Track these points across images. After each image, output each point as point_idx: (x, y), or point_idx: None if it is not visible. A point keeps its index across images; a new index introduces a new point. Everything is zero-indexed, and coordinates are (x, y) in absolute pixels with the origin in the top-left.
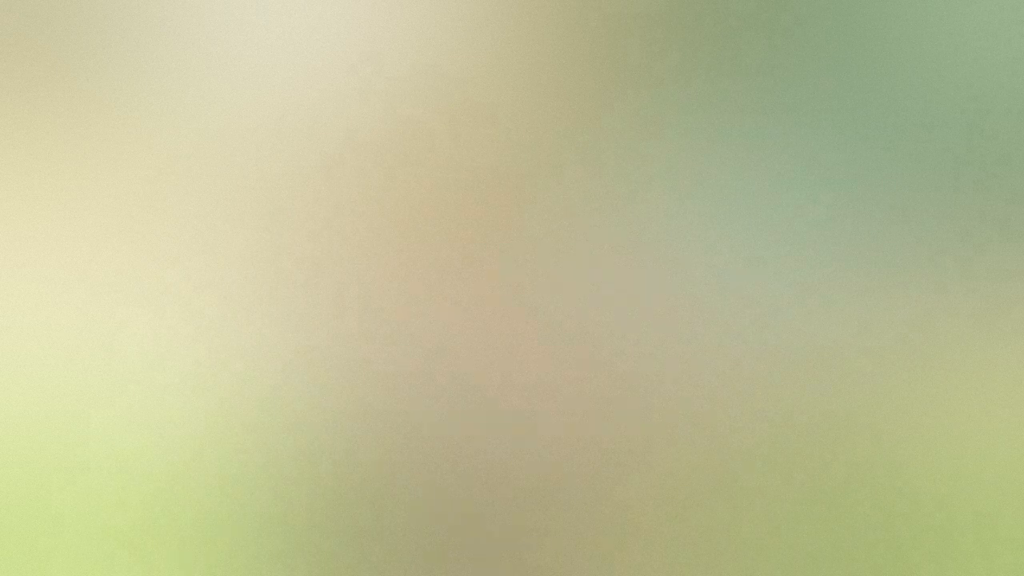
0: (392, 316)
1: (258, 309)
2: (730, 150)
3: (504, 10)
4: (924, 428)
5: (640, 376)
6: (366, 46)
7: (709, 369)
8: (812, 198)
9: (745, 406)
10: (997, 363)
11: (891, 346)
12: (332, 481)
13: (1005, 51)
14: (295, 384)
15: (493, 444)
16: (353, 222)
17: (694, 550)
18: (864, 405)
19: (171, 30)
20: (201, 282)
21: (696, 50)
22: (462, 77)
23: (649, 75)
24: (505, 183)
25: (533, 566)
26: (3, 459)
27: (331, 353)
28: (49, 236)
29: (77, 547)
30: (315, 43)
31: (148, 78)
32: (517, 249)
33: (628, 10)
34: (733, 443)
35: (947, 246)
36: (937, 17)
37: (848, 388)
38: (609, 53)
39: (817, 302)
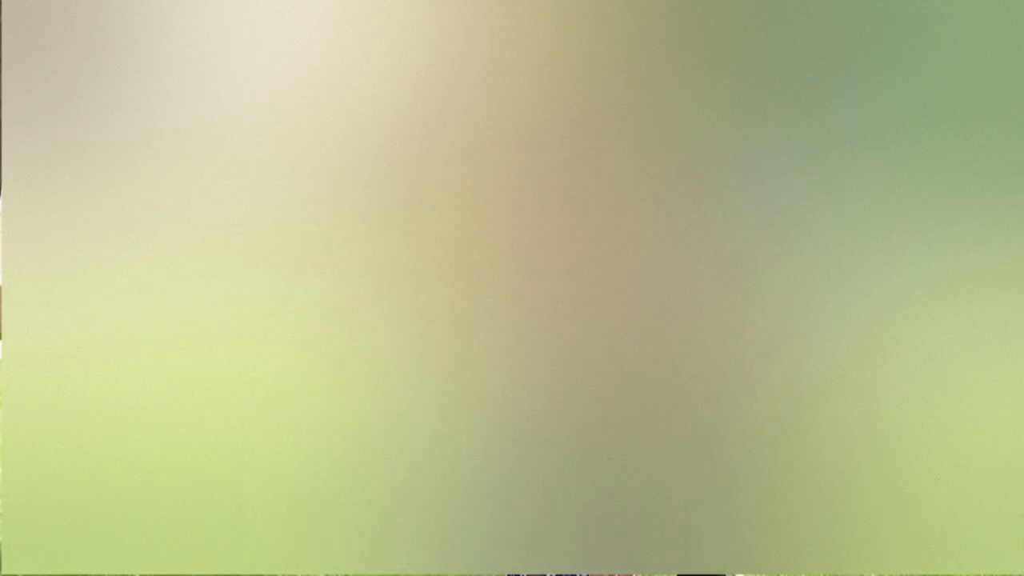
0: (391, 316)
1: (255, 308)
2: (731, 150)
3: (506, 10)
4: (923, 427)
5: (642, 373)
6: (369, 45)
7: (709, 368)
8: (813, 197)
9: (745, 404)
10: (996, 361)
11: (890, 343)
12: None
13: (1005, 51)
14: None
15: (497, 442)
16: (358, 222)
17: (694, 548)
18: (863, 403)
19: (171, 30)
20: (201, 282)
21: (698, 50)
22: (464, 77)
23: (651, 75)
24: (507, 182)
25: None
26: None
27: (334, 352)
28: (54, 236)
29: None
30: (318, 43)
31: (147, 78)
32: (520, 248)
33: (630, 10)
34: (733, 440)
35: (947, 246)
36: (937, 17)
37: (847, 387)
38: (611, 53)
39: (816, 301)
